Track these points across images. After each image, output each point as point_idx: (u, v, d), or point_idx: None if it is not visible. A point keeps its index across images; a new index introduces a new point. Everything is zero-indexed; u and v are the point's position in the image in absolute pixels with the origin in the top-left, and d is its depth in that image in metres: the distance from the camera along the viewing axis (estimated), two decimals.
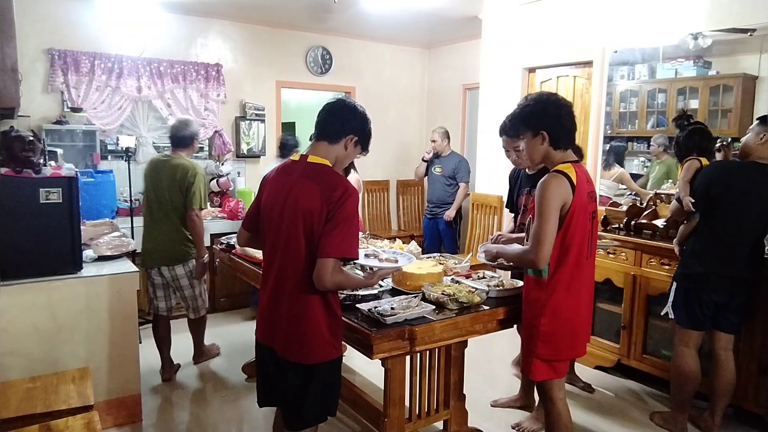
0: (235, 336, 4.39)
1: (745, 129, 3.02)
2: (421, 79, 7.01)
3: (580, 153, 3.40)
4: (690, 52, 3.76)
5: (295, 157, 2.04)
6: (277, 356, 1.99)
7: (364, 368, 3.68)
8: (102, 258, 3.11)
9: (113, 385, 2.98)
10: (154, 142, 5.19)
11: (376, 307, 2.16)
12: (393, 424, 2.45)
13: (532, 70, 4.88)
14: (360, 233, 2.26)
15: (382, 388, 2.45)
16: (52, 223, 2.73)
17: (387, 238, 3.69)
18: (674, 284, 2.98)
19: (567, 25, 4.49)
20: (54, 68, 4.62)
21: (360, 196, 2.84)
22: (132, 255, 3.61)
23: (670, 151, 3.93)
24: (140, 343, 3.21)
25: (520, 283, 2.50)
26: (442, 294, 2.32)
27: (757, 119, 2.85)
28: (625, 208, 3.88)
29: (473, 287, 2.44)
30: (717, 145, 3.12)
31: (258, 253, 2.74)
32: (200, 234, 3.49)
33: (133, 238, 3.86)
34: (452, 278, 2.65)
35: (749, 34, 3.45)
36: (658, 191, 3.85)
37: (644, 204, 3.82)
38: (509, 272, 2.95)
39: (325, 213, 1.86)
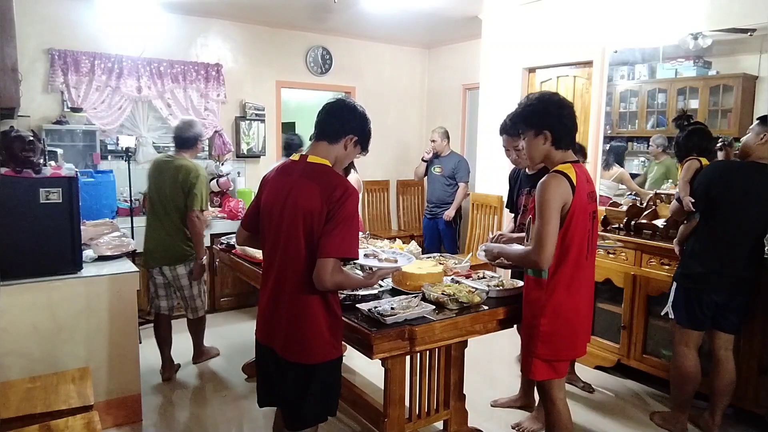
0: (235, 336, 4.39)
1: (745, 129, 3.02)
2: (421, 79, 7.01)
3: (584, 153, 3.41)
4: (690, 52, 3.76)
5: (295, 157, 2.04)
6: (277, 356, 1.99)
7: (364, 368, 3.68)
8: (102, 258, 3.12)
9: (113, 385, 2.98)
10: (154, 142, 5.19)
11: (376, 307, 2.16)
12: (393, 424, 2.45)
13: (532, 70, 4.88)
14: (360, 233, 2.26)
15: (382, 388, 2.44)
16: (52, 223, 2.73)
17: (387, 238, 3.69)
18: (674, 284, 2.98)
19: (567, 25, 4.49)
20: (54, 68, 4.62)
21: (360, 196, 2.84)
22: (132, 255, 3.62)
23: (669, 151, 3.93)
24: (140, 343, 3.21)
25: (520, 283, 2.50)
26: (442, 294, 2.32)
27: (757, 119, 2.85)
28: (625, 208, 3.88)
29: (473, 287, 2.44)
30: (718, 144, 3.12)
31: (258, 253, 2.74)
32: (200, 235, 3.50)
33: (133, 238, 3.86)
34: (452, 278, 2.65)
35: (749, 34, 3.45)
36: (658, 191, 3.85)
37: (644, 204, 3.82)
38: (509, 272, 2.96)
39: (325, 213, 1.86)
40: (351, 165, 3.52)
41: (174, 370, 3.70)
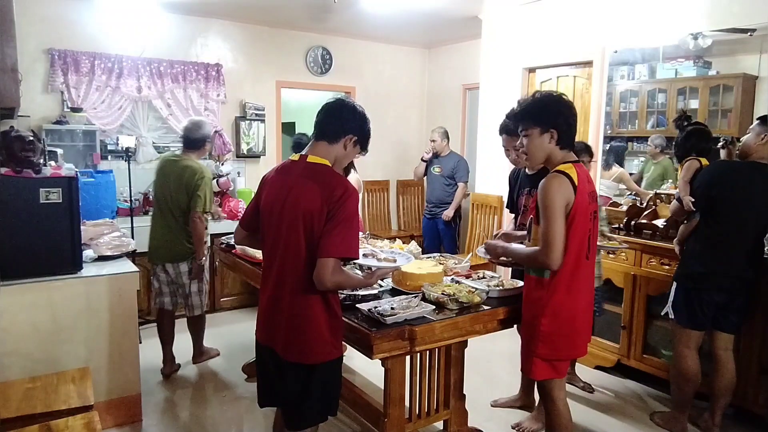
0: (235, 336, 4.39)
1: (745, 129, 3.02)
2: (421, 79, 7.01)
3: (590, 152, 3.40)
4: (690, 52, 3.76)
5: (295, 157, 2.04)
6: (278, 356, 1.98)
7: (364, 368, 3.68)
8: (102, 258, 3.12)
9: (113, 385, 2.98)
10: (154, 142, 5.19)
11: (376, 307, 2.16)
12: (393, 424, 2.45)
13: (532, 70, 4.88)
14: (360, 233, 2.26)
15: (382, 388, 2.45)
16: (52, 223, 2.73)
17: (387, 238, 3.69)
18: (674, 284, 2.98)
19: (567, 25, 4.48)
20: (54, 68, 4.62)
21: (360, 196, 2.84)
22: (132, 255, 3.63)
23: (667, 151, 3.94)
24: (140, 343, 3.21)
25: (520, 283, 2.50)
26: (442, 294, 2.32)
27: (757, 119, 2.85)
28: (625, 208, 3.89)
29: (473, 287, 2.44)
30: (720, 143, 3.13)
31: (258, 254, 2.74)
32: (200, 236, 3.51)
33: (133, 237, 3.86)
34: (452, 278, 2.65)
35: (749, 34, 3.45)
36: (658, 191, 3.85)
37: (644, 204, 3.83)
38: (509, 272, 2.95)
39: (326, 213, 1.86)
40: (351, 165, 3.52)
41: (174, 369, 3.71)
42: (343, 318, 2.09)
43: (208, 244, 3.69)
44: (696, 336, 2.91)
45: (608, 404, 3.40)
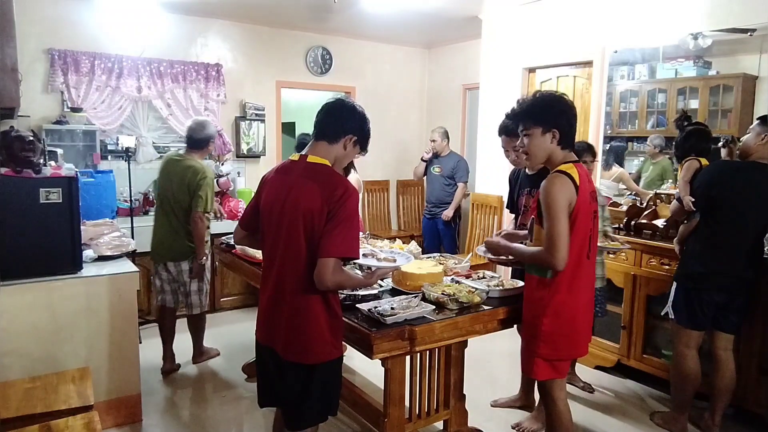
0: (235, 336, 4.39)
1: (745, 129, 3.02)
2: (421, 79, 7.01)
3: (593, 152, 3.40)
4: (690, 52, 3.76)
5: (295, 157, 2.04)
6: (278, 356, 1.98)
7: (364, 368, 3.68)
8: (102, 258, 3.12)
9: (113, 385, 2.98)
10: (154, 142, 5.18)
11: (376, 307, 2.16)
12: (393, 424, 2.45)
13: (532, 70, 4.88)
14: (360, 233, 2.26)
15: (382, 388, 2.44)
16: (52, 223, 2.73)
17: (387, 238, 3.69)
18: (674, 284, 2.98)
19: (567, 25, 4.48)
20: (54, 68, 4.62)
21: (360, 196, 2.84)
22: (132, 255, 3.63)
23: (666, 151, 3.94)
24: (140, 343, 3.21)
25: (520, 283, 2.50)
26: (442, 294, 2.32)
27: (758, 119, 2.85)
28: (625, 208, 3.89)
29: (473, 287, 2.44)
30: (721, 142, 3.13)
31: (258, 253, 2.74)
32: (201, 236, 3.52)
33: (133, 238, 3.86)
34: (452, 278, 2.65)
35: (749, 34, 3.45)
36: (658, 191, 3.85)
37: (644, 204, 3.83)
38: (509, 272, 2.95)
39: (326, 213, 1.86)
40: (351, 165, 3.52)
41: (174, 368, 3.72)
42: (343, 318, 2.09)
43: (210, 243, 3.69)
44: (696, 336, 2.91)
45: (608, 404, 3.40)
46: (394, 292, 2.47)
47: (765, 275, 2.89)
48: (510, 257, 2.49)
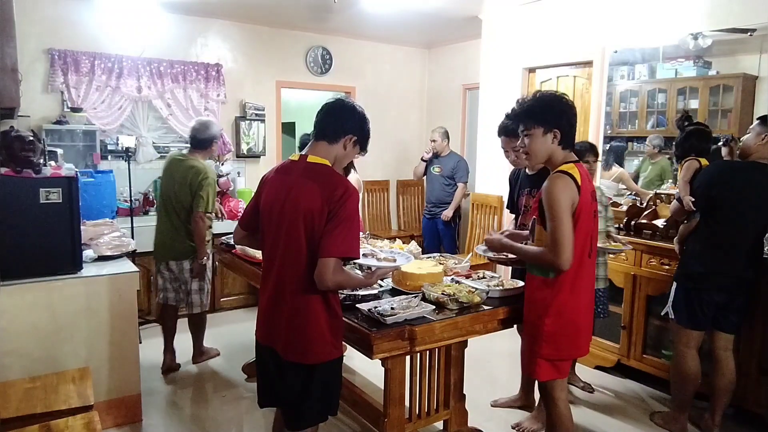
0: (235, 336, 4.39)
1: (745, 129, 3.02)
2: (421, 79, 7.01)
3: (595, 152, 3.39)
4: (690, 52, 3.76)
5: (294, 157, 2.04)
6: (278, 356, 1.98)
7: (364, 368, 3.68)
8: (102, 258, 3.12)
9: (113, 385, 2.98)
10: (154, 142, 5.18)
11: (376, 307, 2.16)
12: (393, 424, 2.45)
13: (532, 70, 4.88)
14: (360, 233, 2.26)
15: (382, 388, 2.45)
16: (52, 223, 2.73)
17: (387, 238, 3.69)
18: (674, 284, 2.98)
19: (567, 25, 4.48)
20: (54, 68, 4.62)
21: (360, 196, 2.84)
22: (132, 255, 3.63)
23: (666, 151, 3.94)
24: (140, 343, 3.21)
25: (520, 283, 2.50)
26: (442, 294, 2.32)
27: (758, 119, 2.85)
28: (625, 208, 3.89)
29: (473, 287, 2.43)
30: (722, 141, 3.12)
31: (258, 253, 2.74)
32: (201, 236, 3.53)
33: (133, 238, 3.87)
34: (452, 278, 2.65)
35: (749, 34, 3.45)
36: (658, 191, 3.85)
37: (644, 204, 3.83)
38: (509, 272, 2.95)
39: (326, 213, 1.86)
40: (351, 165, 3.52)
41: (174, 366, 3.73)
42: (344, 318, 2.09)
43: (211, 243, 3.70)
44: (696, 336, 2.91)
45: (608, 404, 3.40)
46: (394, 292, 2.47)
47: (765, 275, 2.89)
48: (510, 256, 2.48)
